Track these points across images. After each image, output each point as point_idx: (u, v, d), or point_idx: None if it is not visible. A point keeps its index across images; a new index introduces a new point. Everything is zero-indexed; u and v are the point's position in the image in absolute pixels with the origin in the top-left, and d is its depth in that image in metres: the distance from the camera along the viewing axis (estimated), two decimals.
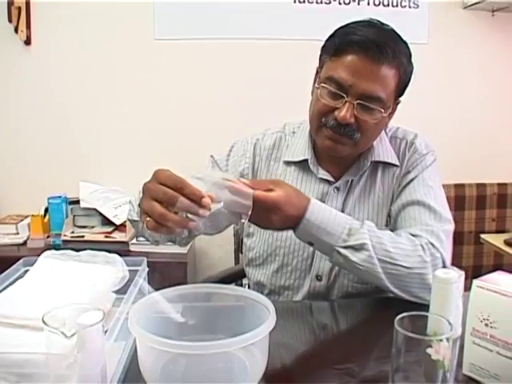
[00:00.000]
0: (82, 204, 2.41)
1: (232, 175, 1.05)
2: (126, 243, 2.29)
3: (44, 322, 0.68)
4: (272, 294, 1.29)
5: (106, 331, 0.78)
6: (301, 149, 1.28)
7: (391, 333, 0.73)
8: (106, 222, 2.40)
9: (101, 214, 2.40)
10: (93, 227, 2.41)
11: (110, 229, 2.38)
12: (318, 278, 1.25)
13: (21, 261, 1.08)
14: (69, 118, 2.58)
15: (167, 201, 0.86)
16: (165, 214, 0.87)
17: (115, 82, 2.56)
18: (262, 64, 2.54)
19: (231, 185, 0.94)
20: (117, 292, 1.03)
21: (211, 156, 1.34)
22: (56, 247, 2.30)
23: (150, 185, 0.90)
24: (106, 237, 2.33)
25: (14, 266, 1.06)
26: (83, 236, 2.33)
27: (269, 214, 1.00)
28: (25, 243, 2.36)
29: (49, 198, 2.42)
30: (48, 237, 2.39)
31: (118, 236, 2.34)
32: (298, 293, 1.27)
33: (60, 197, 2.43)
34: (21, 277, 1.02)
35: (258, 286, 1.31)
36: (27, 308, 0.84)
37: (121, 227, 2.36)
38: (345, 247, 1.07)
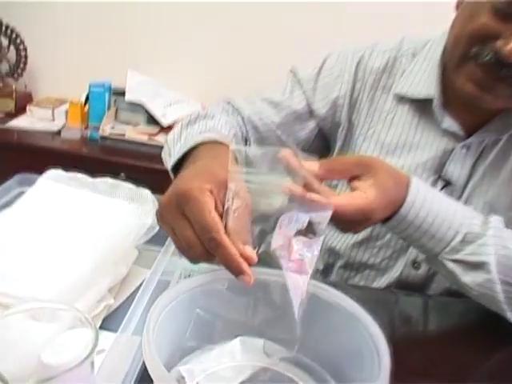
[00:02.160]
0: (128, 96, 2.09)
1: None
2: None
3: None
4: (347, 268, 0.97)
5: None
6: (423, 81, 0.89)
7: (497, 355, 0.63)
8: (152, 121, 2.07)
9: (147, 111, 2.08)
10: (136, 125, 2.11)
11: (155, 130, 2.07)
12: (415, 265, 0.91)
13: (15, 178, 0.79)
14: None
15: (191, 255, 0.55)
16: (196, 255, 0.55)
17: None
18: None
19: (302, 195, 0.58)
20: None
21: (292, 72, 0.97)
22: (93, 141, 2.03)
23: (168, 211, 0.56)
24: (150, 139, 2.03)
25: (6, 185, 0.77)
26: (124, 134, 2.03)
27: (353, 224, 0.66)
28: (59, 133, 2.09)
29: (91, 85, 2.11)
30: (86, 128, 2.11)
31: (163, 140, 2.03)
32: (384, 276, 0.94)
33: (103, 84, 2.11)
34: (10, 202, 0.74)
35: (331, 254, 0.99)
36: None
37: (167, 129, 2.04)
38: (454, 261, 0.73)
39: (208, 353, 0.58)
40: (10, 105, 2.21)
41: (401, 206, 0.68)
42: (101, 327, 0.60)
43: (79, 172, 0.79)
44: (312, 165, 0.63)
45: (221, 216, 0.54)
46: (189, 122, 0.85)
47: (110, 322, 0.62)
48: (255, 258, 0.53)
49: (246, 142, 0.93)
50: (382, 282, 0.94)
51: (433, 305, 0.88)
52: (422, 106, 0.90)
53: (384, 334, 0.53)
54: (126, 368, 0.51)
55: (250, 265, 0.52)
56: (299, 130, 0.95)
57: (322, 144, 0.98)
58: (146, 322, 0.47)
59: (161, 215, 0.57)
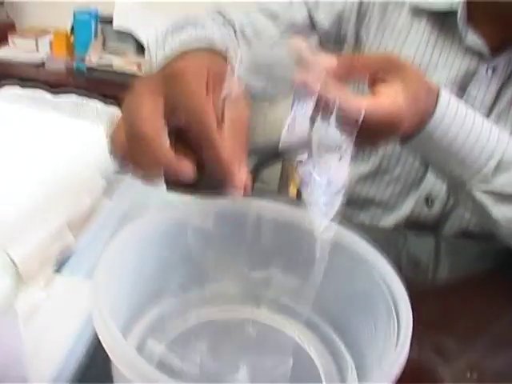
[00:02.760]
0: (116, 24, 1.94)
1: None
2: None
3: None
4: (350, 205, 0.87)
5: None
6: None
7: None
8: (142, 50, 1.94)
9: (136, 40, 1.94)
10: (125, 55, 1.96)
11: (145, 59, 1.94)
12: (429, 201, 0.81)
13: None
14: None
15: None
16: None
17: None
18: None
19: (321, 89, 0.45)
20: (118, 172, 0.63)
21: None
22: (79, 72, 1.91)
23: (146, 86, 0.41)
24: (140, 69, 1.90)
25: None
26: (111, 65, 1.90)
27: (376, 134, 0.54)
28: (44, 64, 1.96)
29: (75, 12, 1.96)
30: (71, 59, 1.98)
31: None
32: (392, 214, 0.84)
33: (90, 12, 1.96)
34: None
35: None
36: None
37: None
38: (485, 191, 0.62)
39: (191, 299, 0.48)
40: None
41: (427, 121, 0.57)
42: (57, 271, 0.50)
43: None
44: (329, 60, 0.51)
45: None
46: (175, 28, 0.72)
47: (69, 264, 0.51)
48: (249, 185, 0.41)
49: None
50: (389, 220, 0.84)
51: (446, 247, 0.78)
52: (441, 21, 0.77)
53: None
54: (75, 320, 0.41)
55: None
56: None
57: None
58: (97, 266, 0.36)
59: (133, 92, 0.41)
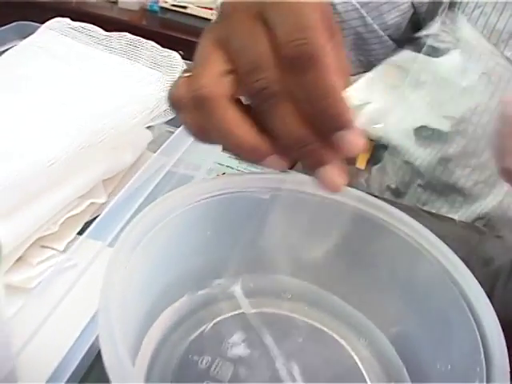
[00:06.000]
0: None
1: None
2: None
3: None
4: (428, 189, 0.76)
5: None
6: None
7: None
8: None
9: None
10: None
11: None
12: None
13: (14, 26, 0.62)
14: None
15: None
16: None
17: None
18: None
19: None
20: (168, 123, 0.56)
21: None
22: (152, 13, 1.84)
23: (238, 13, 0.31)
24: (215, 15, 1.81)
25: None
26: (186, 7, 1.81)
27: None
28: (117, 2, 1.90)
29: None
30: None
31: None
32: (474, 204, 0.73)
33: None
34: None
35: (407, 171, 0.78)
36: None
37: None
38: None
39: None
40: None
41: None
42: (81, 232, 0.43)
43: None
44: None
45: None
46: None
47: (100, 227, 0.44)
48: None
49: None
50: (471, 211, 0.73)
51: None
52: None
53: None
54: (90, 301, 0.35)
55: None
56: (388, 12, 0.71)
57: (412, 32, 0.75)
58: (115, 250, 0.29)
59: (217, 25, 0.33)
